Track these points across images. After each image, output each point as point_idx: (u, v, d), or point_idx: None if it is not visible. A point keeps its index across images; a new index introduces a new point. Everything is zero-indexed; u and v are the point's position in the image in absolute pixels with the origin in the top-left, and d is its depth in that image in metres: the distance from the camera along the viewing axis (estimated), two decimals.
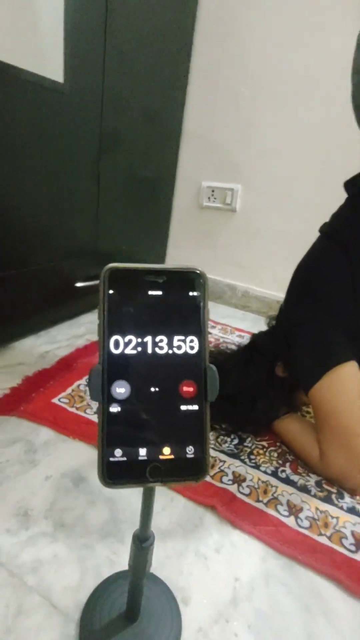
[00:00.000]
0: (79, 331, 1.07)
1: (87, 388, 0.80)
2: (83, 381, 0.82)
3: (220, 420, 0.73)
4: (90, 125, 0.96)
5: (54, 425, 0.68)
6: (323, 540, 0.54)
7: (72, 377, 0.83)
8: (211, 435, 0.71)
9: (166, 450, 0.26)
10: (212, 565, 0.49)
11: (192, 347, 0.27)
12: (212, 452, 0.67)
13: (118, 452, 0.26)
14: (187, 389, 0.27)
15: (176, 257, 1.49)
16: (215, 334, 1.16)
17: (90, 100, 0.93)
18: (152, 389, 0.26)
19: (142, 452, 0.26)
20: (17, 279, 0.89)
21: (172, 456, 0.26)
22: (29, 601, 0.42)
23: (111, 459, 0.26)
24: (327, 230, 0.68)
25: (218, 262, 1.41)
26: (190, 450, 0.27)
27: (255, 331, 0.88)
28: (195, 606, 0.44)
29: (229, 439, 0.71)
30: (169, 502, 0.56)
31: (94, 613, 0.41)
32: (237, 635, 0.42)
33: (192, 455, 0.27)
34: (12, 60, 0.72)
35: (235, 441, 0.71)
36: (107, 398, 0.26)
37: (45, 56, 0.79)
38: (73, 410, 0.73)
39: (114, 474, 0.26)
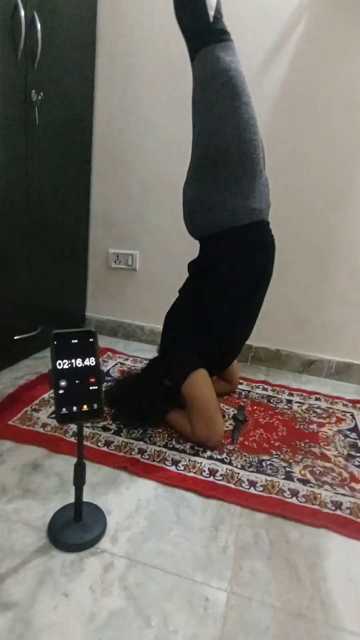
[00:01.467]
0: (20, 374, 1.36)
1: (33, 412, 1.10)
2: (29, 408, 1.12)
3: (130, 418, 1.08)
4: (18, 217, 1.30)
5: (12, 438, 0.97)
6: (192, 474, 0.91)
7: (20, 406, 1.12)
8: (122, 429, 1.05)
9: (84, 407, 0.62)
10: (124, 494, 0.83)
11: (92, 362, 0.64)
12: (124, 439, 1.01)
13: (64, 409, 0.61)
14: (92, 379, 0.63)
15: (94, 306, 1.85)
16: (128, 365, 1.53)
17: (18, 198, 1.27)
18: (77, 381, 0.62)
19: (74, 408, 0.61)
20: None
21: (87, 409, 0.62)
22: (16, 526, 0.72)
23: (61, 412, 0.61)
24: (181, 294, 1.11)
25: (128, 309, 1.80)
26: (95, 406, 0.63)
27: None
28: (114, 514, 0.77)
29: (136, 431, 1.06)
30: (97, 470, 0.89)
31: (55, 522, 0.72)
32: (138, 523, 0.76)
33: (96, 408, 0.63)
34: None
35: (141, 431, 1.06)
36: (57, 386, 0.61)
37: None
38: (24, 427, 1.03)
39: (62, 419, 0.60)
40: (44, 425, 1.04)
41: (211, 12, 0.88)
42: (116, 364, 1.52)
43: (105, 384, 1.29)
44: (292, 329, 1.63)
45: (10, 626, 0.55)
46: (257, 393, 1.39)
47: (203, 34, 0.90)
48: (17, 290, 1.36)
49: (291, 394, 1.41)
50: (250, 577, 0.67)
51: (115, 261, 1.75)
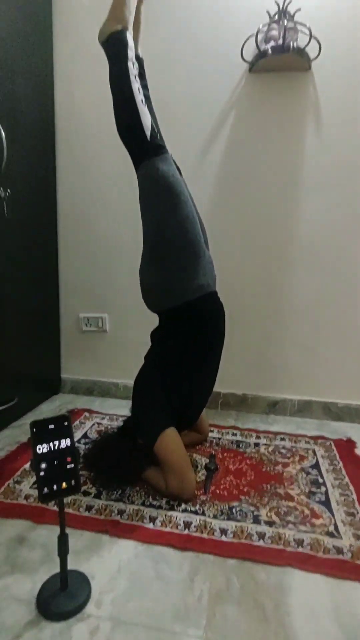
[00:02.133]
0: (0, 445, 1.41)
1: (15, 485, 1.16)
2: (11, 481, 1.18)
3: (108, 480, 1.15)
4: None
5: None
6: (168, 529, 0.99)
7: (3, 480, 1.18)
8: (102, 491, 1.13)
9: (64, 485, 0.71)
10: (106, 557, 0.90)
11: (68, 443, 0.74)
12: (103, 501, 1.09)
13: (45, 489, 0.70)
14: (69, 459, 0.73)
15: (69, 368, 1.94)
16: (105, 424, 1.61)
17: None
18: (55, 462, 0.72)
19: (55, 487, 0.71)
20: None
21: (66, 486, 0.71)
22: (6, 603, 0.78)
23: (43, 492, 0.70)
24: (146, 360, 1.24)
25: (101, 368, 1.90)
26: (72, 482, 0.72)
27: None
28: (98, 578, 0.84)
29: (114, 492, 1.14)
30: (80, 536, 0.96)
31: (42, 593, 0.78)
32: (120, 584, 0.83)
33: (74, 484, 0.72)
34: None
35: (119, 492, 1.14)
36: (38, 469, 0.70)
37: None
38: (7, 501, 1.08)
39: (44, 498, 0.70)
40: (27, 497, 1.10)
41: (147, 132, 1.07)
42: (93, 424, 1.60)
43: (83, 446, 1.38)
44: (255, 373, 1.77)
45: None
46: (227, 439, 1.50)
47: (143, 149, 1.09)
48: None
49: (258, 437, 1.52)
50: (223, 622, 0.75)
51: (86, 324, 1.87)
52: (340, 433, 1.58)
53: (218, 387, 1.72)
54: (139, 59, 1.18)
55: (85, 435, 1.50)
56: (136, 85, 1.08)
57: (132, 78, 1.07)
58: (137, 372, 1.27)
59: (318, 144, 1.57)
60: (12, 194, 1.42)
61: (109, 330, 1.86)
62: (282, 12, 1.46)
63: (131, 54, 1.10)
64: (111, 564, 0.88)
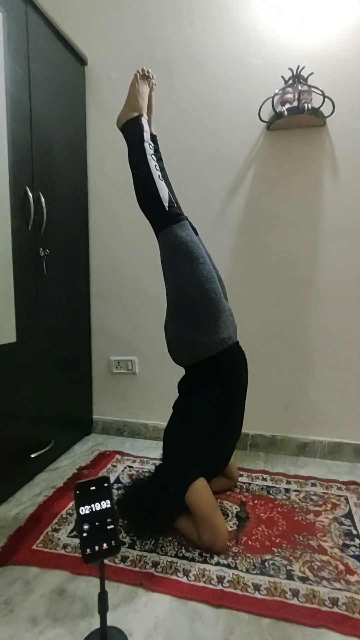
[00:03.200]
0: (37, 490, 1.48)
1: (53, 533, 1.21)
2: (49, 528, 1.23)
3: (141, 529, 1.19)
4: (30, 344, 1.51)
5: (37, 564, 1.08)
6: (202, 584, 1.01)
7: (41, 528, 1.23)
8: (136, 541, 1.16)
9: (105, 545, 0.76)
10: (142, 612, 0.92)
11: (108, 504, 0.79)
12: (136, 552, 1.12)
13: (88, 550, 0.75)
14: (109, 520, 0.78)
15: (100, 410, 2.01)
16: (136, 467, 1.65)
17: (30, 328, 1.49)
18: (97, 523, 0.77)
19: (96, 547, 0.76)
20: None
21: (107, 547, 0.76)
22: None
23: (86, 553, 0.75)
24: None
25: (131, 409, 1.96)
26: (113, 543, 0.77)
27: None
28: (135, 635, 0.87)
29: (148, 541, 1.17)
30: (117, 589, 1.00)
31: None
32: None
33: (114, 545, 0.77)
34: None
35: (153, 542, 1.17)
36: (81, 530, 0.75)
37: None
38: (47, 550, 1.14)
39: (87, 559, 0.74)
40: (64, 547, 1.15)
41: (166, 204, 1.18)
42: (125, 468, 1.64)
43: (116, 491, 1.43)
44: (282, 414, 1.78)
45: None
46: (257, 484, 1.50)
47: (162, 219, 1.19)
48: (30, 408, 1.53)
49: (289, 482, 1.52)
50: None
51: (116, 367, 1.95)
52: None
53: (246, 429, 1.74)
54: (153, 138, 1.31)
55: (117, 480, 1.54)
56: (153, 162, 1.19)
57: (149, 157, 1.19)
58: (165, 413, 1.32)
59: (335, 191, 1.63)
60: (49, 254, 1.55)
61: (138, 372, 1.93)
62: (296, 77, 1.57)
63: (147, 136, 1.23)
64: (148, 620, 0.91)
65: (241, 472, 1.57)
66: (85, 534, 0.75)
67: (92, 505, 0.78)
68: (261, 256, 1.73)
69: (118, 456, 1.75)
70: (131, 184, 1.27)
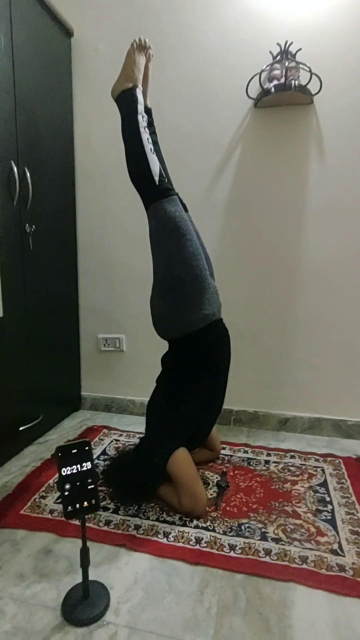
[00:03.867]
0: (25, 461, 1.52)
1: (41, 500, 1.26)
2: (37, 495, 1.28)
3: (125, 496, 1.24)
4: (18, 320, 1.53)
5: (25, 527, 1.13)
6: (180, 544, 1.07)
7: (29, 495, 1.28)
8: (120, 507, 1.21)
9: (85, 503, 0.81)
10: (123, 569, 0.98)
11: (88, 466, 0.83)
12: (120, 516, 1.17)
13: (69, 507, 0.79)
14: (89, 480, 0.83)
15: (88, 386, 2.05)
16: (122, 440, 1.70)
17: (19, 305, 1.51)
18: (78, 483, 0.81)
19: (77, 505, 0.80)
20: None
21: (87, 504, 0.81)
22: (35, 609, 0.87)
23: (67, 510, 0.79)
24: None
25: (119, 386, 2.00)
26: (93, 502, 0.81)
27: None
28: (116, 588, 0.93)
29: (131, 507, 1.22)
30: (100, 549, 1.05)
31: (66, 602, 0.87)
32: (137, 594, 0.91)
33: (94, 503, 0.81)
34: None
35: (136, 507, 1.22)
36: (63, 489, 0.80)
37: None
38: (34, 515, 1.19)
39: (69, 516, 0.79)
40: (51, 512, 1.20)
41: (156, 178, 1.18)
42: (111, 441, 1.69)
43: (102, 462, 1.48)
44: (266, 391, 1.84)
45: None
46: (238, 457, 1.56)
47: (152, 193, 1.20)
48: (20, 383, 1.56)
49: (269, 454, 1.58)
50: (230, 632, 0.82)
51: (104, 345, 1.98)
52: (350, 451, 1.63)
53: (230, 404, 1.81)
54: (147, 110, 1.30)
55: (104, 452, 1.59)
56: (145, 135, 1.19)
57: (141, 130, 1.18)
58: (152, 390, 1.36)
59: (321, 172, 1.64)
60: (36, 230, 1.55)
61: (126, 350, 1.97)
62: (284, 53, 1.56)
63: (140, 108, 1.22)
64: (128, 575, 0.97)
65: (224, 445, 1.63)
66: (67, 493, 0.80)
67: (74, 466, 0.82)
68: (248, 236, 1.74)
69: (105, 430, 1.80)
70: (119, 160, 1.28)
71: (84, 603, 0.87)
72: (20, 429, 1.55)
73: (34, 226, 1.54)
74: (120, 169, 1.77)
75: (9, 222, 1.42)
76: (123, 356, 1.98)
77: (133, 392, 1.98)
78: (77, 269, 1.94)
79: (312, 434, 1.79)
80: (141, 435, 1.54)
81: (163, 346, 1.36)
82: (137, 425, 1.84)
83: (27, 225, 1.52)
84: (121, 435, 1.76)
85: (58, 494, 1.30)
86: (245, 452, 1.61)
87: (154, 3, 1.70)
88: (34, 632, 0.82)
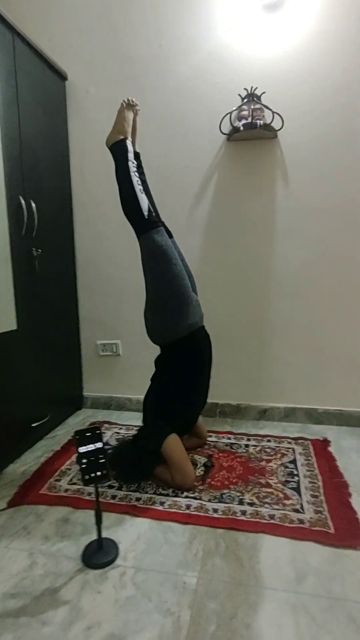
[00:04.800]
0: (39, 453, 1.76)
1: (56, 482, 1.50)
2: (52, 479, 1.52)
3: (127, 477, 1.49)
4: (29, 332, 1.76)
5: (45, 503, 1.37)
6: (174, 510, 1.32)
7: (46, 479, 1.52)
8: (123, 485, 1.46)
9: (98, 473, 1.05)
10: (128, 530, 1.23)
11: (99, 445, 1.08)
12: (123, 492, 1.42)
13: (86, 476, 1.04)
14: (100, 456, 1.07)
15: (89, 387, 2.29)
16: (122, 433, 1.95)
17: (28, 320, 1.75)
18: (92, 458, 1.06)
19: (92, 475, 1.05)
20: None
21: (100, 474, 1.05)
22: (61, 559, 1.11)
23: (85, 478, 1.04)
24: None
25: (117, 386, 2.25)
26: (104, 472, 1.06)
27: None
28: (123, 542, 1.17)
29: (132, 485, 1.47)
30: (108, 516, 1.30)
31: (85, 552, 1.12)
32: (139, 546, 1.16)
33: (105, 473, 1.06)
34: None
35: (136, 485, 1.47)
36: (81, 463, 1.04)
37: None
38: (52, 494, 1.43)
39: (86, 482, 1.04)
40: (66, 490, 1.44)
41: (145, 213, 1.43)
42: (112, 434, 1.94)
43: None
44: (247, 386, 2.10)
45: (70, 613, 0.94)
46: (222, 442, 1.82)
47: (142, 225, 1.45)
48: (30, 387, 1.80)
49: (249, 439, 1.84)
50: (212, 568, 1.08)
51: (102, 350, 2.22)
52: (319, 434, 1.90)
53: (216, 399, 2.07)
54: (136, 155, 1.55)
55: (106, 443, 1.84)
56: (135, 178, 1.44)
57: (132, 174, 1.44)
58: (146, 388, 1.61)
59: (286, 196, 1.91)
60: (41, 253, 1.79)
61: (122, 354, 2.21)
62: (250, 96, 1.83)
63: (130, 155, 1.47)
64: (132, 534, 1.22)
65: (210, 434, 1.88)
66: (84, 466, 1.04)
67: (88, 445, 1.07)
68: (226, 252, 2.01)
69: (107, 425, 2.04)
70: (109, 190, 1.53)
71: (99, 553, 1.11)
72: (33, 425, 1.79)
73: (39, 250, 1.78)
74: (110, 196, 2.03)
75: (19, 248, 1.66)
76: (119, 360, 2.23)
77: (129, 391, 2.23)
78: (76, 284, 2.19)
79: (287, 421, 2.05)
80: (138, 428, 1.79)
81: (155, 350, 1.61)
82: (134, 420, 2.09)
83: (33, 249, 1.76)
84: (121, 428, 2.00)
85: (70, 476, 1.54)
86: (229, 438, 1.86)
87: (137, 51, 1.96)
88: (62, 574, 1.06)
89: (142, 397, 1.62)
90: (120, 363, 2.23)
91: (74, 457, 1.69)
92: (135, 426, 2.00)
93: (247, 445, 1.78)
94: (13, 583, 1.04)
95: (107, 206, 2.07)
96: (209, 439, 1.84)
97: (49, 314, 1.91)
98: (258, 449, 1.75)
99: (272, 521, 1.26)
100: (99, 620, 0.93)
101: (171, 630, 0.90)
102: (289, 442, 1.81)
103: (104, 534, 1.18)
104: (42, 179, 1.85)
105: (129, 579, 1.05)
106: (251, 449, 1.75)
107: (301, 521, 1.26)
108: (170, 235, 1.52)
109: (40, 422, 1.82)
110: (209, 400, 1.68)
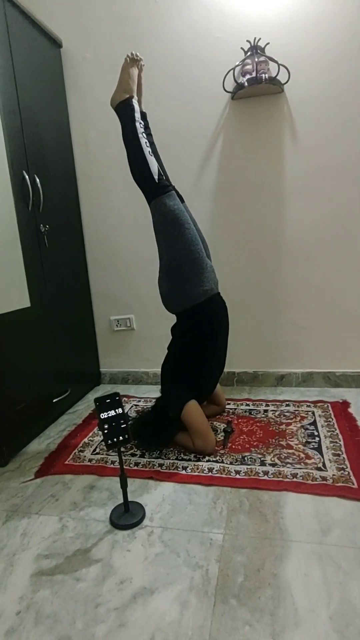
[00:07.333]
0: (61, 427, 1.80)
1: (80, 453, 1.54)
2: (76, 450, 1.56)
3: (148, 445, 1.51)
4: (43, 309, 1.77)
5: (71, 472, 1.41)
6: (196, 474, 1.34)
7: (70, 450, 1.56)
8: (145, 453, 1.49)
9: (120, 438, 1.07)
10: (153, 493, 1.26)
11: (120, 411, 1.09)
12: (146, 459, 1.45)
13: (109, 441, 1.06)
14: (122, 421, 1.09)
15: (106, 363, 2.31)
16: (141, 405, 1.97)
17: (40, 297, 1.75)
18: (113, 424, 1.07)
19: (114, 439, 1.06)
20: (22, 408, 1.62)
21: (121, 439, 1.07)
22: (90, 522, 1.15)
23: (107, 443, 1.05)
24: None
25: (133, 360, 2.26)
26: (126, 436, 1.08)
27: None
28: (149, 505, 1.20)
29: (154, 453, 1.49)
30: (133, 481, 1.33)
31: (113, 515, 1.15)
32: (165, 507, 1.19)
33: (127, 437, 1.08)
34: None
35: (158, 452, 1.50)
36: (103, 429, 1.06)
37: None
38: (77, 463, 1.46)
39: (109, 447, 1.05)
40: (90, 460, 1.48)
41: (155, 177, 1.39)
42: (132, 406, 1.96)
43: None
44: (263, 352, 2.08)
45: (101, 569, 0.98)
46: (241, 409, 1.83)
47: (153, 190, 1.41)
48: (49, 363, 1.82)
49: (267, 405, 1.85)
50: (237, 524, 1.10)
51: (116, 325, 2.23)
52: (338, 397, 1.88)
53: (233, 367, 2.06)
54: (143, 115, 1.49)
55: (126, 414, 1.86)
56: (143, 140, 1.40)
57: (140, 135, 1.39)
58: (162, 361, 1.61)
59: (295, 154, 1.84)
60: (49, 229, 1.78)
61: (136, 328, 2.22)
62: (254, 48, 1.73)
63: (137, 115, 1.42)
64: (157, 497, 1.24)
65: (228, 401, 1.89)
66: (106, 431, 1.06)
67: (108, 412, 1.08)
68: (236, 216, 1.96)
69: (125, 398, 2.07)
70: (115, 158, 1.48)
71: (126, 514, 1.14)
72: (54, 400, 1.82)
73: (47, 226, 1.77)
74: (116, 165, 1.98)
75: (26, 225, 1.65)
76: (134, 334, 2.23)
77: (146, 365, 2.24)
78: (86, 259, 2.18)
79: (305, 386, 2.04)
80: (157, 398, 1.81)
81: (169, 322, 1.60)
82: (152, 392, 2.11)
83: (41, 225, 1.74)
84: (139, 401, 2.03)
85: (93, 447, 1.58)
86: (247, 405, 1.87)
87: (132, 11, 1.87)
88: (91, 535, 1.10)
89: (158, 370, 1.62)
90: (135, 337, 2.24)
91: (95, 429, 1.73)
92: (153, 398, 2.01)
93: (266, 411, 1.79)
94: (46, 545, 1.08)
95: (113, 177, 2.03)
96: (228, 406, 1.85)
97: (60, 290, 1.91)
98: (277, 413, 1.75)
99: (294, 479, 1.27)
100: (130, 575, 0.96)
101: (201, 582, 0.92)
102: (308, 406, 1.81)
103: (130, 499, 1.21)
104: (44, 152, 1.81)
105: (156, 537, 1.08)
106: (270, 414, 1.75)
107: (324, 478, 1.26)
108: (181, 200, 1.48)
109: (60, 398, 1.86)
110: (225, 369, 1.68)
